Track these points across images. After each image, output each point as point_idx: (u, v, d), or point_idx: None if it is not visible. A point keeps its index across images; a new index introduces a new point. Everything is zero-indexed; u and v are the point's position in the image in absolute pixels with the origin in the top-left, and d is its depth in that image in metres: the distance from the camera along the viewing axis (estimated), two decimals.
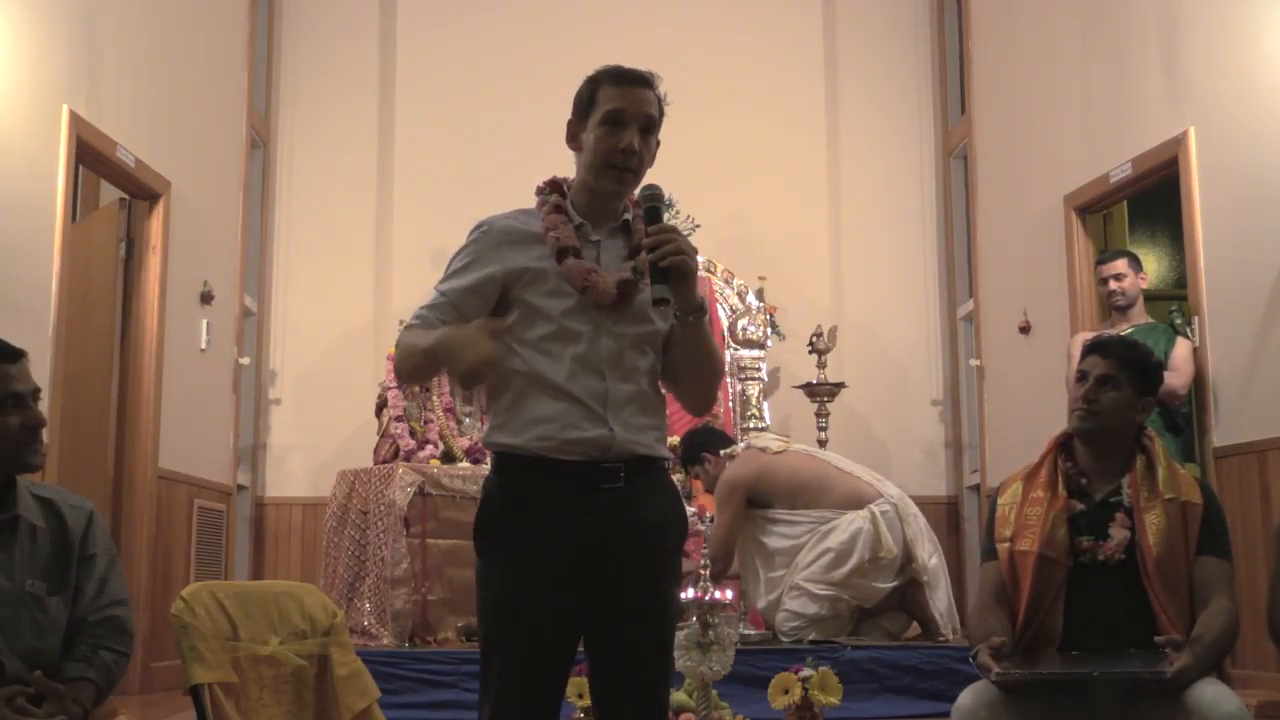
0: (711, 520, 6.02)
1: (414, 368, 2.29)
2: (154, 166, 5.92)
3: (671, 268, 2.22)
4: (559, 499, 2.23)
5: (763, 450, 5.58)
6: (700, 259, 7.28)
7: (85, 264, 5.89)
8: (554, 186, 2.42)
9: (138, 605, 5.66)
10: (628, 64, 2.44)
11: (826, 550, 5.25)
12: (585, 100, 2.37)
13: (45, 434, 4.59)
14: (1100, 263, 5.74)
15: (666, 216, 7.16)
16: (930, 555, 5.33)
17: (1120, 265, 5.59)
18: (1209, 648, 2.62)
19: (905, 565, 5.30)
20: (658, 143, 2.42)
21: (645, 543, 2.27)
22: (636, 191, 2.35)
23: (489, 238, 2.34)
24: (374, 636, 5.68)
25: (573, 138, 2.40)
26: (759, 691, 4.10)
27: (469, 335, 2.12)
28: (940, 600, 5.30)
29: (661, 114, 2.40)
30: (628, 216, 2.38)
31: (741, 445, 5.75)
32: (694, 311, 2.29)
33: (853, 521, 5.25)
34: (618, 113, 2.32)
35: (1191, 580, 2.75)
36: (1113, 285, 5.57)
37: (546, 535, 2.22)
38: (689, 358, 2.34)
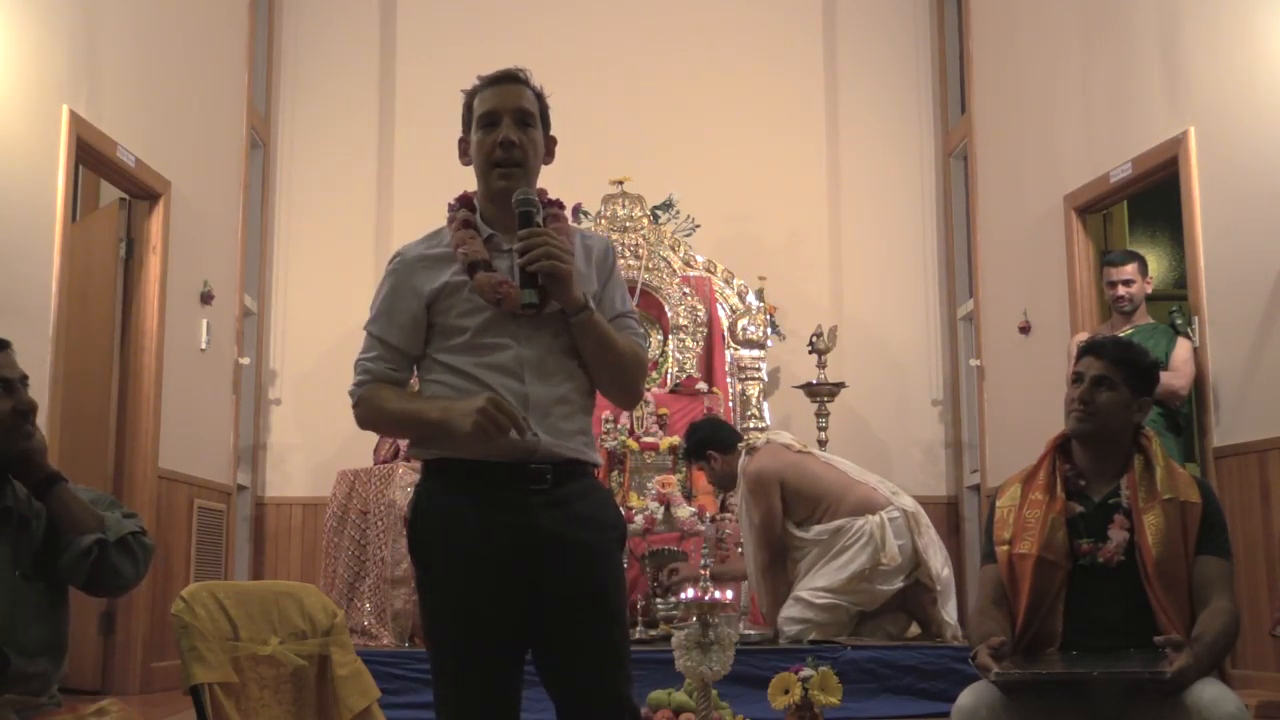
0: (713, 519, 6.02)
1: (402, 430, 2.39)
2: (154, 166, 5.92)
3: (539, 273, 2.24)
4: (489, 502, 2.24)
5: (786, 447, 5.52)
6: (700, 259, 7.30)
7: (85, 264, 5.89)
8: (463, 202, 2.44)
9: (138, 605, 5.67)
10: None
11: (829, 557, 5.23)
12: (466, 113, 2.41)
13: (45, 435, 4.59)
14: (1109, 264, 5.68)
15: (666, 217, 7.27)
16: (943, 567, 5.31)
17: (1130, 270, 5.54)
18: (1209, 647, 2.62)
19: (911, 570, 5.27)
20: (553, 139, 2.44)
21: (580, 544, 2.26)
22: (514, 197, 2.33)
23: (404, 267, 2.38)
24: (374, 636, 5.69)
25: (463, 154, 2.43)
26: (759, 691, 4.10)
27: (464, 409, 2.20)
28: (951, 612, 5.29)
29: (543, 107, 2.41)
30: (539, 219, 2.35)
31: (762, 441, 5.61)
32: (579, 310, 2.28)
33: (861, 528, 5.22)
34: (489, 113, 2.36)
35: (1191, 580, 2.75)
36: (1121, 290, 5.53)
37: (481, 539, 2.23)
38: (589, 355, 2.33)
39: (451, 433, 2.21)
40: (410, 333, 2.34)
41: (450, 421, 2.21)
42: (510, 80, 2.38)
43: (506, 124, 2.34)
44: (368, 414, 2.38)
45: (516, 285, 2.28)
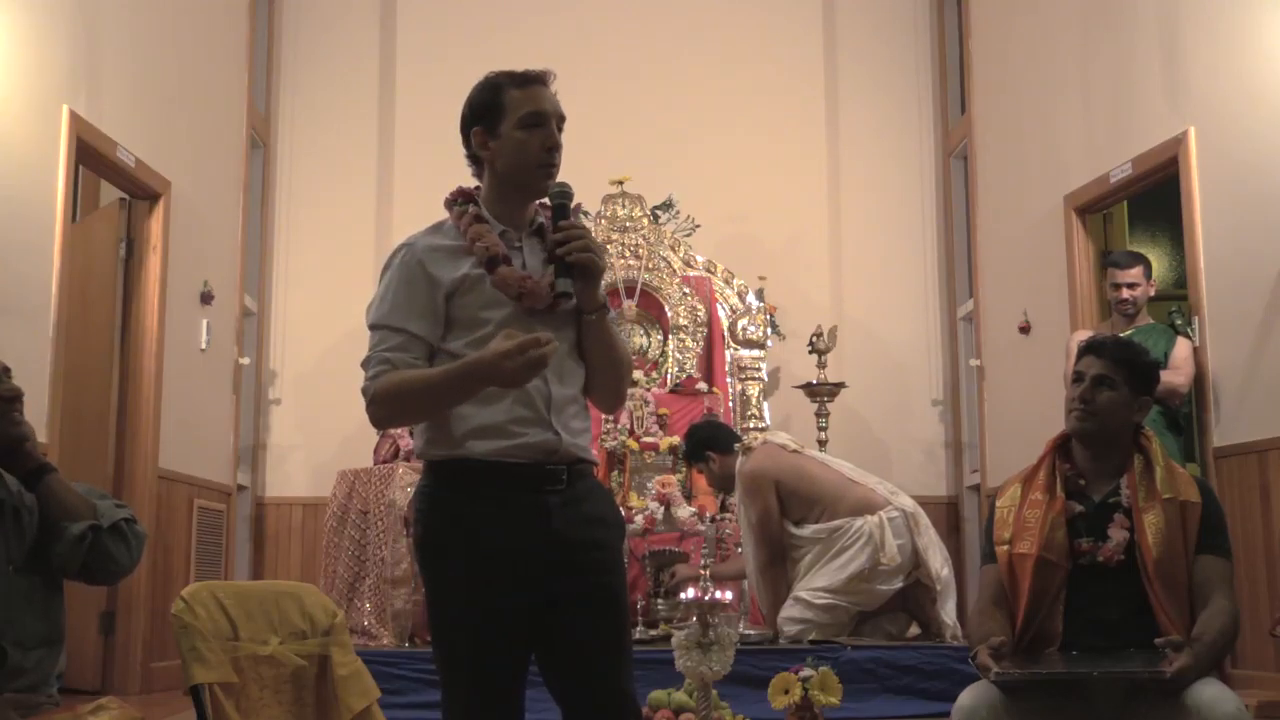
0: (713, 519, 6.02)
1: (435, 401, 2.24)
2: (154, 166, 5.92)
3: (576, 264, 2.25)
4: (505, 503, 2.23)
5: (782, 447, 5.52)
6: (700, 259, 7.30)
7: (85, 264, 5.89)
8: (466, 196, 2.41)
9: (137, 605, 5.67)
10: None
11: (828, 557, 5.23)
12: (490, 107, 2.34)
13: (46, 434, 4.59)
14: (1114, 266, 5.64)
15: (666, 217, 7.27)
16: (942, 566, 5.31)
17: (1135, 274, 5.52)
18: (1209, 647, 2.62)
19: (911, 570, 5.27)
20: None
21: (590, 542, 2.27)
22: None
23: (416, 256, 2.33)
24: (374, 636, 5.69)
25: (483, 146, 2.36)
26: (759, 691, 4.10)
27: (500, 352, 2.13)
28: (950, 612, 5.29)
29: None
30: (541, 219, 2.38)
31: (758, 442, 5.61)
32: (597, 309, 2.30)
33: (860, 528, 5.22)
34: (537, 113, 2.32)
35: (1191, 580, 2.75)
36: (1125, 294, 5.50)
37: (496, 540, 2.22)
38: (594, 356, 2.34)
39: (492, 380, 2.16)
40: (431, 322, 2.28)
41: (484, 369, 2.15)
42: (547, 83, 2.37)
43: (552, 126, 2.33)
44: (387, 401, 2.24)
45: (538, 281, 2.28)
